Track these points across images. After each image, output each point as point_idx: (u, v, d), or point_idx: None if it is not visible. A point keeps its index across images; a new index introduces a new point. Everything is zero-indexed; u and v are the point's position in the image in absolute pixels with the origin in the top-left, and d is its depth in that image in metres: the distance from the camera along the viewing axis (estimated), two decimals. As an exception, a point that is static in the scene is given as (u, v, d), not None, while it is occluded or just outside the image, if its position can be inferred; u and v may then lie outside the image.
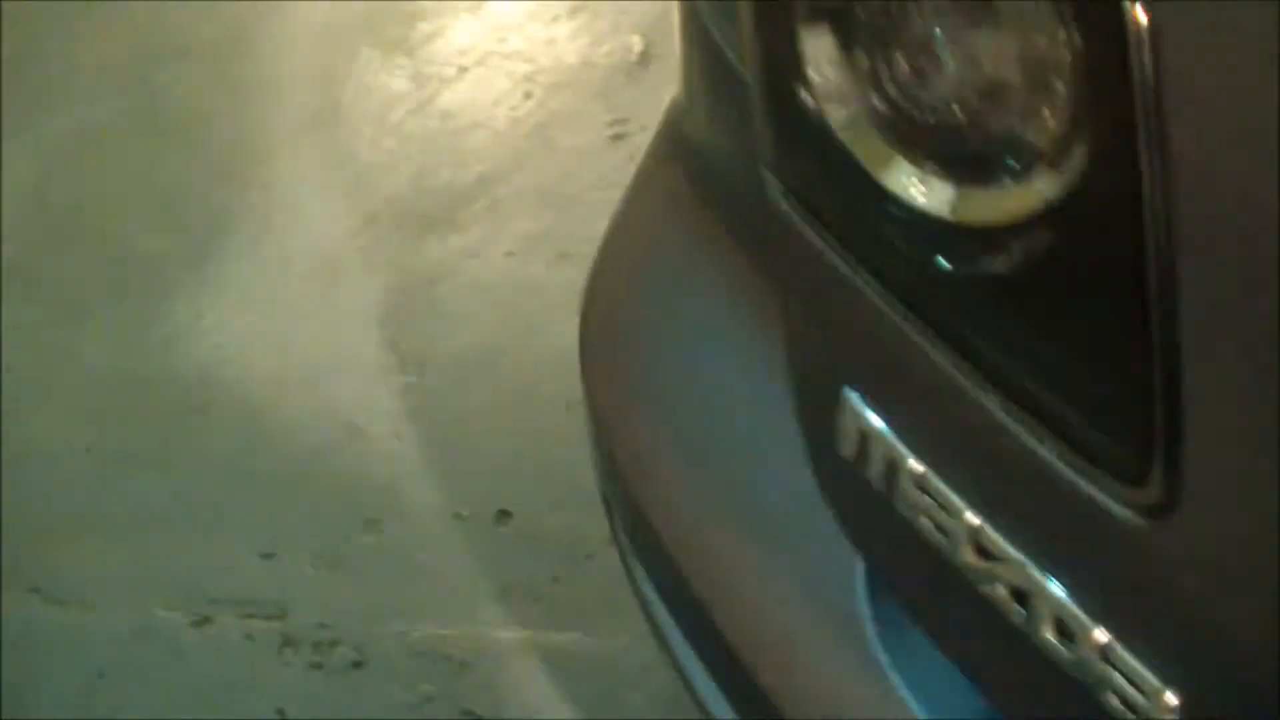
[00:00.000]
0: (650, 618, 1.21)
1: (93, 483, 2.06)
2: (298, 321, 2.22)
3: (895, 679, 0.90)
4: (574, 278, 2.19)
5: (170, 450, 2.09)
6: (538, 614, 1.85)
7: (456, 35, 2.62)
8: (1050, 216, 0.64)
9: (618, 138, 2.40)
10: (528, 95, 2.50)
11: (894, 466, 0.79)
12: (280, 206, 2.39)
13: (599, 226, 2.21)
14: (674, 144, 1.16)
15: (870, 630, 0.92)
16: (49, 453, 2.11)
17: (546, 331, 2.16)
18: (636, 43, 2.54)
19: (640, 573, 1.17)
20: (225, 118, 2.55)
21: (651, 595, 1.16)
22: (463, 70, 2.56)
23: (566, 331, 2.10)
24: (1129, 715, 0.69)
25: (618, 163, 2.36)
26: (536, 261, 2.26)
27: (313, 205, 2.38)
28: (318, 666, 1.83)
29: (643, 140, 2.30)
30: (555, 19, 2.62)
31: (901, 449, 0.78)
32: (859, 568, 0.94)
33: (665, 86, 2.41)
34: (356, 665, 1.83)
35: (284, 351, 2.18)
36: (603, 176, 2.35)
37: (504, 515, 1.95)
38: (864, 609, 0.93)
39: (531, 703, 1.79)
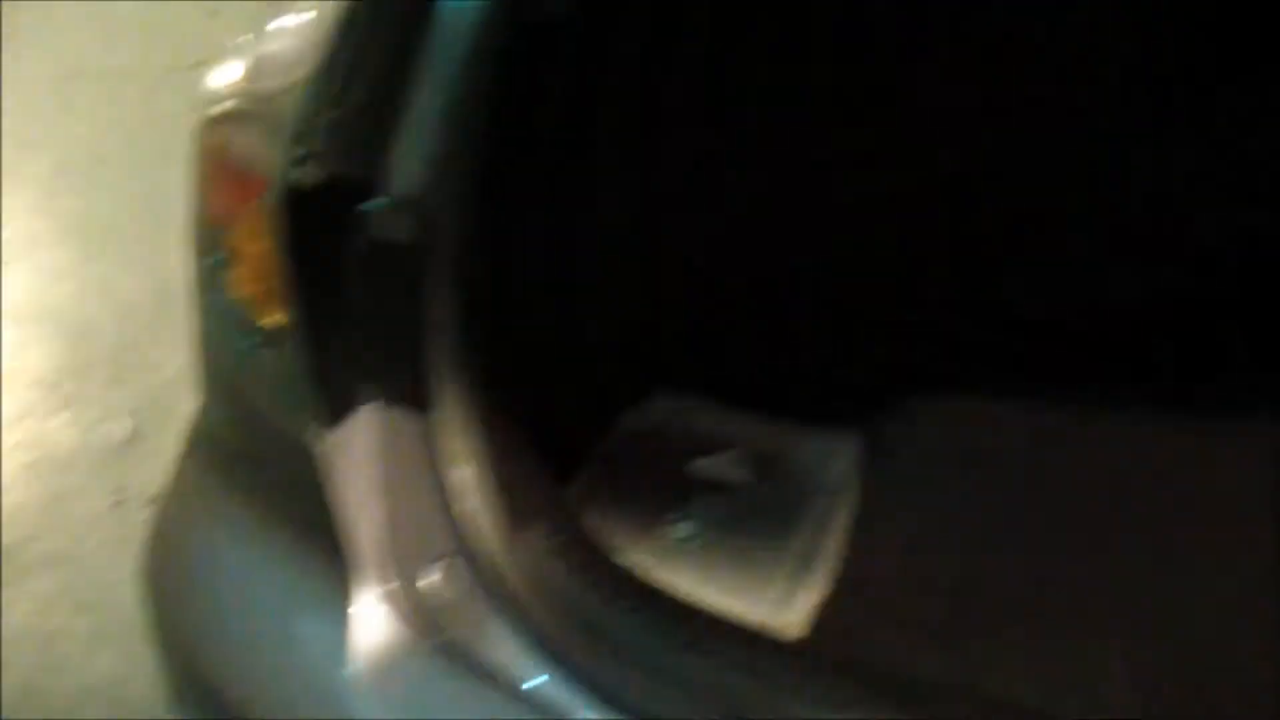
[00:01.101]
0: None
1: None
2: None
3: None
4: (95, 624, 2.65)
5: None
6: None
7: (-38, 436, 3.05)
8: None
9: (118, 504, 2.89)
10: (36, 477, 2.95)
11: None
12: None
13: (112, 578, 2.69)
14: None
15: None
16: None
17: (75, 669, 2.59)
18: (127, 424, 3.06)
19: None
20: None
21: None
22: (-27, 462, 2.99)
23: (95, 668, 2.55)
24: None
25: (120, 527, 2.85)
26: (58, 614, 2.69)
27: None
28: None
29: (139, 508, 2.82)
30: (52, 412, 3.10)
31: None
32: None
33: (155, 459, 2.94)
34: None
35: None
36: (108, 538, 2.83)
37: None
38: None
39: None
